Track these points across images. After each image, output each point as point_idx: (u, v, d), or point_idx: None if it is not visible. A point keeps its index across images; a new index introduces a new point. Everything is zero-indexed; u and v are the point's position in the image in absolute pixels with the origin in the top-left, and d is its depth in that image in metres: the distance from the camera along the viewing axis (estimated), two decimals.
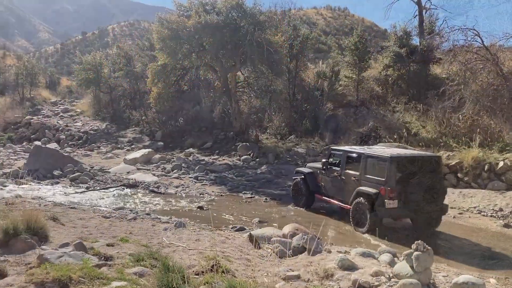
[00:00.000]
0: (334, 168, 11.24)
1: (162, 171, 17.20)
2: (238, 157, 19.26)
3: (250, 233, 7.72)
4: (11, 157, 19.75)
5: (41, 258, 4.88)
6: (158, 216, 10.11)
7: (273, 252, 6.62)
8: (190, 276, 4.74)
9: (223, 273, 4.95)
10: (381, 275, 5.64)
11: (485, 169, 13.35)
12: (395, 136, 17.55)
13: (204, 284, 4.57)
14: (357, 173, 10.24)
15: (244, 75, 22.49)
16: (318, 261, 6.11)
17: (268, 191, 14.43)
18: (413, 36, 23.07)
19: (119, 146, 23.20)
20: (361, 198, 9.79)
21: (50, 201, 10.81)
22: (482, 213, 11.70)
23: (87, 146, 23.42)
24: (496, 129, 15.41)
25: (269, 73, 20.50)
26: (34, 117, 27.59)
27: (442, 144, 15.88)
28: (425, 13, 24.65)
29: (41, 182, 14.61)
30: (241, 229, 9.18)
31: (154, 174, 16.49)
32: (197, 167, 17.43)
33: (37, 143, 22.16)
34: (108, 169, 17.45)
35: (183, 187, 14.65)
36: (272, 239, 7.36)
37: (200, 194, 13.82)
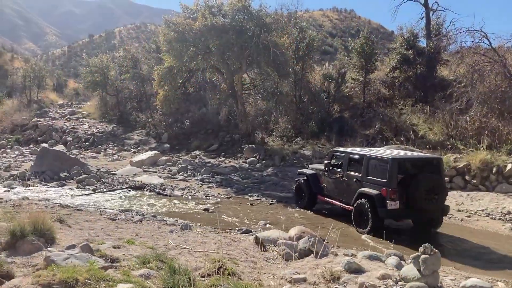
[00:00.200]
0: (336, 169, 11.28)
1: (168, 173, 17.23)
2: (244, 160, 19.26)
3: (256, 235, 7.69)
4: (18, 159, 19.87)
5: (48, 260, 4.89)
6: (164, 218, 10.09)
7: (279, 255, 6.59)
8: (196, 279, 4.73)
9: (229, 276, 4.94)
10: (388, 278, 5.61)
11: (493, 171, 13.28)
12: (402, 138, 17.48)
13: (210, 286, 4.56)
14: (359, 175, 10.30)
15: (250, 77, 22.49)
16: (325, 264, 6.07)
17: (274, 193, 14.39)
18: (420, 38, 22.97)
19: (125, 148, 23.28)
20: (363, 199, 9.84)
21: (56, 203, 10.83)
22: (490, 216, 11.61)
23: (93, 148, 23.51)
24: (504, 131, 15.31)
25: (275, 75, 20.48)
26: (41, 120, 27.73)
27: (449, 146, 15.80)
28: (432, 14, 24.51)
29: (48, 184, 14.64)
30: (247, 232, 9.15)
31: (160, 176, 16.52)
32: (203, 169, 17.44)
33: (44, 145, 22.35)
34: (115, 171, 17.53)
35: (189, 189, 14.64)
36: (278, 242, 7.32)
37: (206, 196, 13.80)
